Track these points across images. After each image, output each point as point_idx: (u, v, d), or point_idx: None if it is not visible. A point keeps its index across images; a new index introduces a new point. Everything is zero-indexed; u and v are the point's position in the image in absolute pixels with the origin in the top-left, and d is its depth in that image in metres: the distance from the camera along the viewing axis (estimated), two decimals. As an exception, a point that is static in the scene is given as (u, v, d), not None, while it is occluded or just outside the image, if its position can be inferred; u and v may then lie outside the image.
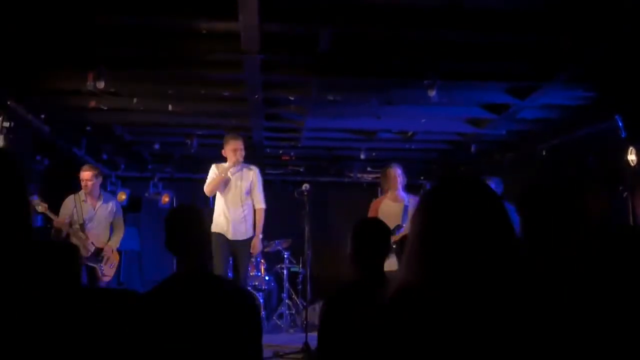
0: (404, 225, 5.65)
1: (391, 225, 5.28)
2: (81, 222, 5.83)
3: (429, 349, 1.22)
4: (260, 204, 5.96)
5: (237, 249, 5.76)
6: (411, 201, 5.95)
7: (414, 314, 1.26)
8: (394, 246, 5.21)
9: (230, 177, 5.80)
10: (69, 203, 5.90)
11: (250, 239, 5.87)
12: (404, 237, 5.04)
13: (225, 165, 5.77)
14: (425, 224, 1.36)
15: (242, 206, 5.82)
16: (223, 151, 5.77)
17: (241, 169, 5.84)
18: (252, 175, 5.92)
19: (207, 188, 5.83)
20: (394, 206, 5.91)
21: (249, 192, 5.88)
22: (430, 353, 1.22)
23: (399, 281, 1.37)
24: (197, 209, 2.56)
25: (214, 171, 5.87)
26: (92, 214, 5.93)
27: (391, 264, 5.48)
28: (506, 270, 1.27)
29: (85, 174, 5.91)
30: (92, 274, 5.89)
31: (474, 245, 1.28)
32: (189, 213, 2.51)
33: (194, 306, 2.22)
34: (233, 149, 5.69)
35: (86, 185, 5.89)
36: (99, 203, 6.00)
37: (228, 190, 5.81)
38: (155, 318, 2.19)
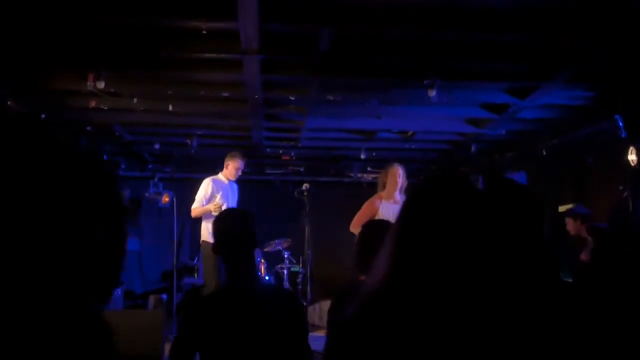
0: None
1: None
2: None
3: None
4: None
5: None
6: None
7: (380, 319, 1.25)
8: None
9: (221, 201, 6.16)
10: None
11: None
12: None
13: (223, 179, 6.23)
14: (403, 225, 1.34)
15: None
16: (227, 164, 6.20)
17: (233, 183, 6.34)
18: (237, 189, 6.42)
19: (195, 212, 6.18)
20: (394, 208, 5.60)
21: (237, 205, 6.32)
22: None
23: (368, 282, 1.36)
24: (250, 213, 2.55)
25: (209, 186, 6.18)
26: None
27: None
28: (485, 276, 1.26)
29: None
30: None
31: (455, 249, 1.26)
32: (242, 217, 2.51)
33: (252, 315, 2.25)
34: (238, 167, 6.18)
35: None
36: None
37: (223, 204, 6.08)
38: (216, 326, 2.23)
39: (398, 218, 1.36)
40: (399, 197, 5.68)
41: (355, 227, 5.66)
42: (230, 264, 2.38)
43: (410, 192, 1.43)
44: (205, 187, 6.20)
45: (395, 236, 1.33)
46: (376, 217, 5.60)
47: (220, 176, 6.32)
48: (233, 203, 6.23)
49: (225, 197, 6.16)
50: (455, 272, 1.23)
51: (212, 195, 6.17)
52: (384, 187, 5.79)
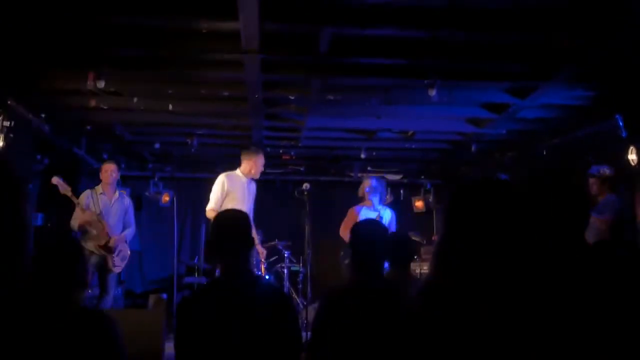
0: None
1: None
2: (98, 212, 6.03)
3: (454, 346, 1.24)
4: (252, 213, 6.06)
5: None
6: (387, 214, 6.47)
7: (443, 311, 1.28)
8: None
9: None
10: (83, 196, 6.12)
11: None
12: None
13: (240, 176, 5.85)
14: (454, 226, 1.38)
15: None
16: (253, 160, 5.82)
17: (250, 182, 5.96)
18: (254, 188, 6.05)
19: (210, 214, 5.59)
20: (371, 214, 6.42)
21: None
22: (455, 349, 1.24)
23: (427, 279, 1.40)
24: (244, 214, 2.65)
25: (224, 183, 5.72)
26: (108, 206, 6.15)
27: None
28: (531, 271, 1.29)
29: (110, 166, 6.26)
30: (104, 264, 6.00)
31: (502, 246, 1.30)
32: (236, 217, 2.61)
33: (238, 307, 2.31)
34: (263, 164, 5.92)
35: (111, 176, 6.18)
36: (115, 197, 6.25)
37: (242, 203, 5.63)
38: (201, 319, 2.28)
39: (446, 221, 1.42)
40: (375, 208, 6.54)
41: (343, 233, 6.56)
42: (223, 263, 2.46)
43: (456, 197, 1.47)
44: (220, 184, 5.72)
45: (448, 237, 1.37)
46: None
47: (238, 172, 5.86)
48: (250, 204, 5.85)
49: (241, 196, 5.72)
50: (501, 265, 1.27)
51: (227, 193, 5.70)
52: (362, 197, 6.69)
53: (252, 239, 2.55)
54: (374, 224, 3.20)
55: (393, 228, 6.49)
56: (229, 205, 5.52)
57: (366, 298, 2.72)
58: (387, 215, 6.44)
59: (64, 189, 5.91)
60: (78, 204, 5.95)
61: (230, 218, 2.63)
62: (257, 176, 5.92)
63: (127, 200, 6.43)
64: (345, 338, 2.63)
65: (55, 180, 5.90)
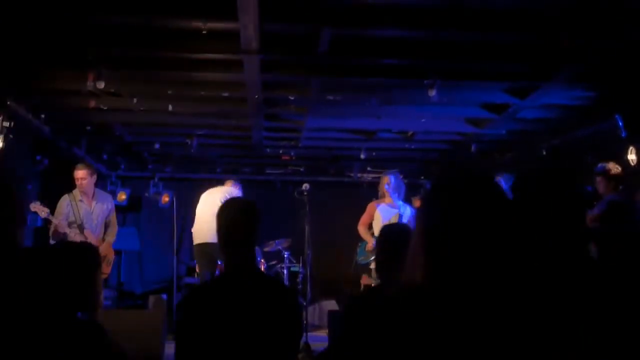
0: None
1: None
2: (79, 222, 5.62)
3: (433, 348, 1.23)
4: None
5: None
6: (407, 212, 6.11)
7: (420, 312, 1.27)
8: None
9: None
10: (63, 203, 5.67)
11: None
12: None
13: None
14: (431, 223, 1.35)
15: None
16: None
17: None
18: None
19: None
20: (392, 211, 6.05)
21: None
22: (434, 352, 1.23)
23: (404, 280, 1.37)
24: (252, 203, 2.54)
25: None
26: (89, 213, 5.71)
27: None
28: (512, 271, 1.28)
29: (80, 173, 5.66)
30: None
31: (480, 244, 1.27)
32: (245, 207, 2.49)
33: (245, 302, 2.26)
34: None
35: (81, 184, 5.64)
36: (95, 202, 5.79)
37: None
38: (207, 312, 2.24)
39: (424, 218, 1.38)
40: (396, 204, 6.07)
41: (360, 227, 6.21)
42: (227, 254, 2.38)
43: (432, 193, 1.43)
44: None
45: (424, 236, 1.34)
46: (374, 218, 6.08)
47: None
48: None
49: None
50: (487, 265, 1.26)
51: None
52: (382, 194, 6.22)
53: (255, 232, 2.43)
54: (402, 227, 3.17)
55: (413, 226, 6.34)
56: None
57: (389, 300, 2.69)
58: (407, 213, 6.12)
59: (44, 212, 5.50)
60: (55, 224, 5.52)
61: (239, 207, 2.48)
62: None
63: (110, 205, 5.99)
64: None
65: (34, 207, 5.45)
